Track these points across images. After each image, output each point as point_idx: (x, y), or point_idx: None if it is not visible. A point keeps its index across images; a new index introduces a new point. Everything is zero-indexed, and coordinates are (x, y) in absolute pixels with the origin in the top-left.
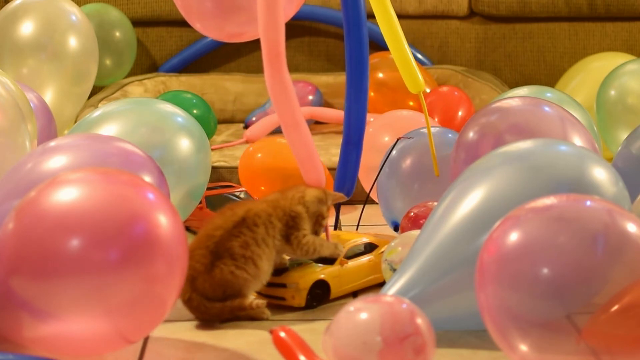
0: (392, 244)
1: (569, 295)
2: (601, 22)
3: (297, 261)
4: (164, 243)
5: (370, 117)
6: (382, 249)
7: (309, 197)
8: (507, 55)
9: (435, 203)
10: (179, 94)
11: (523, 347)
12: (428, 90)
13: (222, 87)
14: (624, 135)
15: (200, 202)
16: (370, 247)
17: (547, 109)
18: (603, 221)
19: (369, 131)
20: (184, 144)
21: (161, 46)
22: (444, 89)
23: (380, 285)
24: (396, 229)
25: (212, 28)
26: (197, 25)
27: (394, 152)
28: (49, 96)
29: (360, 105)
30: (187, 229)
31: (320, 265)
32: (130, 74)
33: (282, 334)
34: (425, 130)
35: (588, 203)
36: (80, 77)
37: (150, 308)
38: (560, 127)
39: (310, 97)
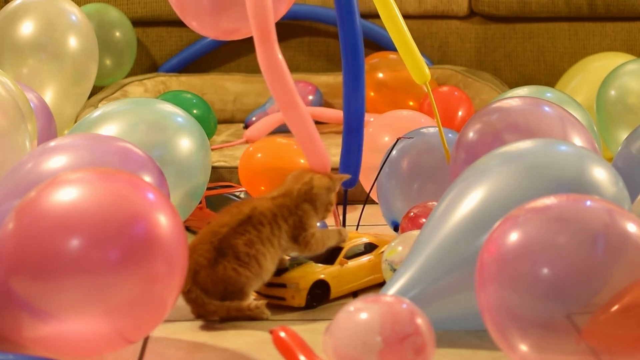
0: (392, 244)
1: (569, 295)
2: (601, 22)
3: (297, 261)
4: (164, 243)
5: (370, 117)
6: (382, 249)
7: (317, 189)
8: (507, 55)
9: (435, 203)
10: (179, 94)
11: (523, 347)
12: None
13: (222, 87)
14: (624, 135)
15: (200, 202)
16: (370, 247)
17: (547, 109)
18: (603, 221)
19: (368, 131)
20: (184, 144)
21: (161, 46)
22: (444, 89)
23: (380, 285)
24: (396, 229)
25: (207, 26)
26: (193, 24)
27: (394, 152)
28: (49, 96)
29: (358, 93)
30: (187, 229)
31: (320, 265)
32: (130, 74)
33: (282, 334)
34: (424, 130)
35: (588, 203)
36: (80, 77)
37: (150, 308)
38: (560, 127)
39: (310, 97)
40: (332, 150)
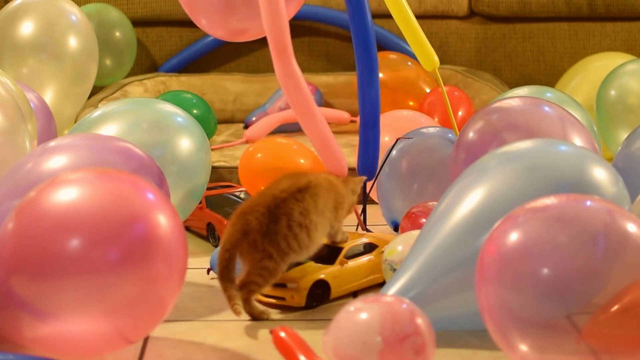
0: (392, 244)
1: (569, 295)
2: (601, 22)
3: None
4: (164, 243)
5: None
6: (382, 249)
7: (347, 190)
8: (507, 55)
9: (435, 203)
10: (179, 94)
11: (523, 347)
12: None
13: (222, 87)
14: (624, 135)
15: (200, 202)
16: (370, 247)
17: (547, 109)
18: (603, 221)
19: None
20: (184, 144)
21: (161, 46)
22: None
23: (380, 285)
24: (396, 229)
25: (216, 24)
26: (202, 22)
27: (393, 152)
28: (49, 96)
29: (372, 87)
30: (187, 228)
31: (320, 265)
32: (130, 74)
33: (282, 334)
34: (424, 130)
35: (588, 203)
36: (80, 77)
37: (150, 308)
38: (560, 127)
39: None
40: None
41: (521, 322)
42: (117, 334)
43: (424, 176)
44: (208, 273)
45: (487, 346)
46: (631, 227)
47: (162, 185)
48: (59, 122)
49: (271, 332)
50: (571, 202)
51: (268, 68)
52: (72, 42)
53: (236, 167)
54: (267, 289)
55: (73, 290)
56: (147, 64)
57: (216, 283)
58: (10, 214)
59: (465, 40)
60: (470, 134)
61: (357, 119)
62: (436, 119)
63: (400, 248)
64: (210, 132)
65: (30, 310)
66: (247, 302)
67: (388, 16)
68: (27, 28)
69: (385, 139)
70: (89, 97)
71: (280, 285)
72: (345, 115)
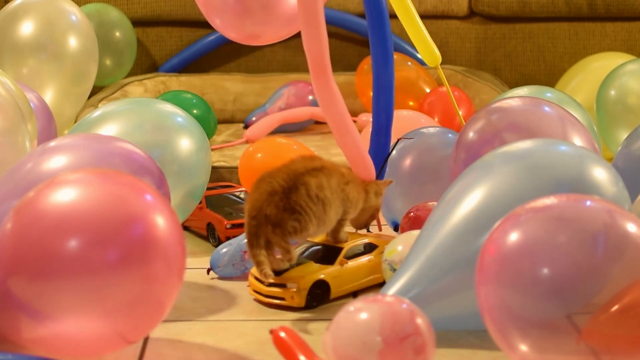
0: (392, 244)
1: (569, 295)
2: (601, 22)
3: (297, 261)
4: (162, 244)
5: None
6: (382, 249)
7: (370, 193)
8: (507, 55)
9: (435, 203)
10: (179, 94)
11: (523, 347)
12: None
13: (222, 87)
14: (624, 135)
15: (200, 202)
16: (370, 247)
17: (547, 109)
18: (603, 221)
19: (369, 131)
20: (184, 144)
21: (161, 46)
22: (444, 89)
23: (380, 285)
24: (396, 229)
25: (230, 26)
26: (216, 22)
27: (394, 152)
28: (49, 96)
29: (387, 94)
30: (187, 229)
31: (320, 265)
32: (130, 74)
33: (282, 334)
34: (424, 130)
35: (588, 203)
36: (80, 77)
37: (149, 308)
38: (560, 127)
39: (310, 97)
40: (333, 151)
41: (521, 322)
42: (116, 335)
43: (424, 176)
44: (208, 273)
45: (487, 346)
46: (631, 227)
47: (162, 185)
48: (59, 122)
49: (271, 332)
50: (571, 202)
51: (268, 68)
52: (72, 42)
53: (236, 167)
54: (267, 289)
55: (72, 290)
56: (147, 64)
57: (216, 283)
58: (9, 214)
59: (465, 40)
60: (470, 134)
61: (357, 118)
62: (436, 119)
63: (400, 248)
64: (210, 132)
65: (29, 311)
66: (280, 244)
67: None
68: (27, 28)
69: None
70: (89, 97)
71: (280, 285)
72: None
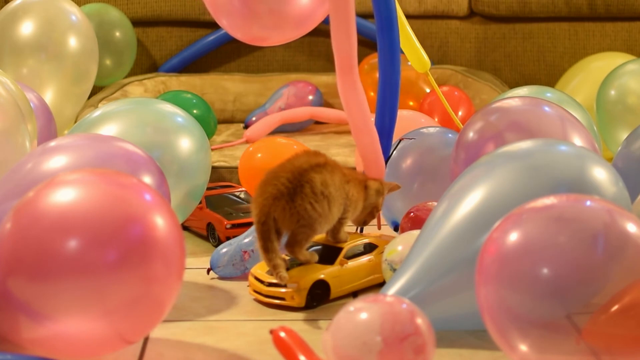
0: (392, 244)
1: (569, 295)
2: (601, 22)
3: (297, 261)
4: (161, 244)
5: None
6: (382, 249)
7: (370, 191)
8: (507, 55)
9: (435, 203)
10: (179, 94)
11: (523, 347)
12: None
13: (222, 87)
14: (624, 135)
15: (200, 202)
16: (370, 247)
17: (547, 109)
18: (603, 221)
19: None
20: (184, 144)
21: (161, 46)
22: (444, 89)
23: (380, 285)
24: (396, 229)
25: (237, 28)
26: (223, 22)
27: (393, 152)
28: (49, 96)
29: (392, 97)
30: (187, 229)
31: (320, 265)
32: (130, 74)
33: (282, 334)
34: (424, 130)
35: (588, 203)
36: (80, 77)
37: (148, 309)
38: (560, 127)
39: (310, 97)
40: (333, 151)
41: (521, 322)
42: (116, 335)
43: (424, 176)
44: (208, 273)
45: (487, 346)
46: (631, 227)
47: (162, 185)
48: (59, 122)
49: (271, 332)
50: (571, 202)
51: (268, 68)
52: (72, 42)
53: (236, 167)
54: (267, 289)
55: (71, 291)
56: (147, 64)
57: (216, 283)
58: (8, 214)
59: (465, 40)
60: (470, 134)
61: None
62: (436, 119)
63: (400, 248)
64: (210, 132)
65: (28, 311)
66: (296, 254)
67: None
68: (27, 28)
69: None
70: (89, 97)
71: (280, 285)
72: (345, 115)
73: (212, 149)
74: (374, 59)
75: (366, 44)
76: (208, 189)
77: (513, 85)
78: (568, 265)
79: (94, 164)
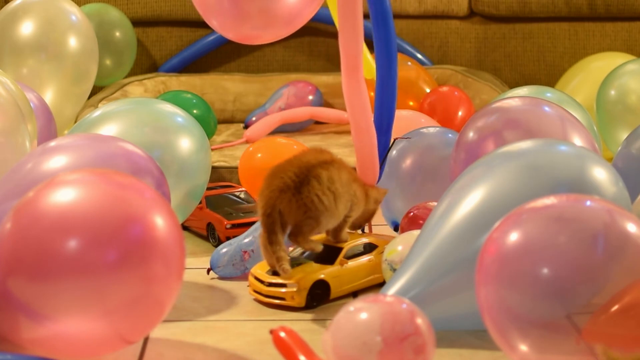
0: (392, 244)
1: (569, 295)
2: (601, 22)
3: (297, 261)
4: (161, 244)
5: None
6: (382, 249)
7: (370, 198)
8: (507, 55)
9: (435, 203)
10: (179, 94)
11: (523, 347)
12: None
13: (222, 87)
14: (624, 135)
15: (200, 202)
16: (370, 247)
17: (547, 109)
18: (603, 221)
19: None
20: (184, 144)
21: (161, 46)
22: (444, 89)
23: (380, 285)
24: (396, 229)
25: (228, 28)
26: (213, 23)
27: (394, 152)
28: (49, 96)
29: (389, 94)
30: (187, 229)
31: (320, 265)
32: (130, 74)
33: (282, 334)
34: (424, 130)
35: (588, 203)
36: (80, 77)
37: (148, 309)
38: (560, 127)
39: (310, 97)
40: (333, 151)
41: (521, 322)
42: (115, 335)
43: (424, 176)
44: (208, 273)
45: (487, 346)
46: (631, 227)
47: (162, 185)
48: (59, 122)
49: (271, 332)
50: (571, 202)
51: (268, 68)
52: (72, 42)
53: (236, 167)
54: (267, 289)
55: (71, 291)
56: (147, 64)
57: (216, 283)
58: (8, 214)
59: (465, 40)
60: (470, 134)
61: None
62: (436, 119)
63: (400, 248)
64: (210, 132)
65: (28, 312)
66: (301, 243)
67: None
68: (27, 28)
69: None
70: (89, 97)
71: (280, 285)
72: (345, 115)
73: (212, 149)
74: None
75: (367, 44)
76: (208, 189)
77: (513, 85)
78: (568, 265)
79: (94, 164)
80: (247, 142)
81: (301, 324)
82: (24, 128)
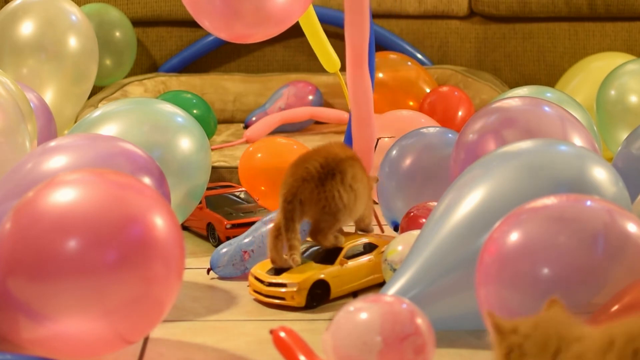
0: (392, 244)
1: (569, 296)
2: (601, 22)
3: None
4: (161, 244)
5: None
6: (382, 249)
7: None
8: (507, 55)
9: (435, 203)
10: (179, 94)
11: None
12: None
13: (222, 87)
14: (624, 135)
15: (200, 202)
16: (370, 247)
17: (547, 109)
18: (603, 221)
19: None
20: (184, 144)
21: (161, 46)
22: (444, 89)
23: (380, 285)
24: (396, 229)
25: (220, 28)
26: (205, 23)
27: (393, 152)
28: (49, 96)
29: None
30: (187, 229)
31: (320, 265)
32: (130, 74)
33: (282, 334)
34: (424, 129)
35: (588, 203)
36: (80, 77)
37: (148, 309)
38: (560, 127)
39: (310, 97)
40: None
41: None
42: (115, 335)
43: (424, 176)
44: (208, 273)
45: (487, 346)
46: (631, 227)
47: (162, 185)
48: (59, 122)
49: (271, 332)
50: (571, 202)
51: (268, 68)
52: (72, 42)
53: (236, 167)
54: (267, 289)
55: (71, 291)
56: (147, 64)
57: (216, 283)
58: (8, 214)
59: (465, 40)
60: (470, 134)
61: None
62: (436, 119)
63: (400, 248)
64: (210, 132)
65: (27, 312)
66: (321, 241)
67: (388, 16)
68: (27, 28)
69: (385, 139)
70: (89, 97)
71: (280, 285)
72: (345, 115)
73: (212, 149)
74: None
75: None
76: (208, 189)
77: (513, 85)
78: (568, 266)
79: (94, 164)
80: (247, 142)
81: (301, 324)
82: (24, 128)
